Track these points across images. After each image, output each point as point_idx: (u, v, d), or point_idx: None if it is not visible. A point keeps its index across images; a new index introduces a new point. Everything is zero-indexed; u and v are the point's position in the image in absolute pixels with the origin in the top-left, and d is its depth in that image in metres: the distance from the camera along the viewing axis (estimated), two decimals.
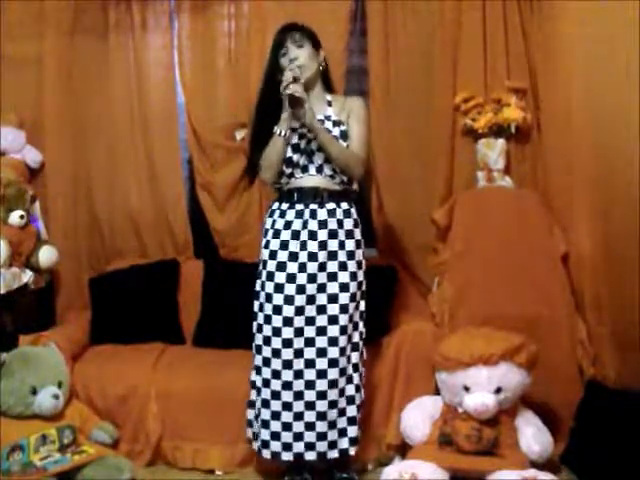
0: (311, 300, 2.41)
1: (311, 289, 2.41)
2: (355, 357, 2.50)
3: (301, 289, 2.40)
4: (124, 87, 3.53)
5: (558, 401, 2.72)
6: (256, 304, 2.50)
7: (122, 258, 3.52)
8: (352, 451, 2.49)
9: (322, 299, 2.42)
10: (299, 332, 2.40)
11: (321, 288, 2.42)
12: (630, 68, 2.40)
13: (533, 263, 2.86)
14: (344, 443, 2.47)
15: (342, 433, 2.46)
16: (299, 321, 2.40)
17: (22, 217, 3.12)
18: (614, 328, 2.67)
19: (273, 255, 2.46)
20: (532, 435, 2.44)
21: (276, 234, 2.47)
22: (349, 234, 2.50)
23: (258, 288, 2.50)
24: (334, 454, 2.46)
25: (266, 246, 2.49)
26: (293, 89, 2.34)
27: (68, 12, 3.45)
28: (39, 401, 2.55)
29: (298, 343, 2.39)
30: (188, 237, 3.57)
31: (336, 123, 2.50)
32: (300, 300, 2.40)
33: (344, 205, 2.51)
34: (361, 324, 2.54)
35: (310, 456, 2.41)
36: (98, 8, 3.48)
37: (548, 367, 2.59)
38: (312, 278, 2.41)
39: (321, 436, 2.41)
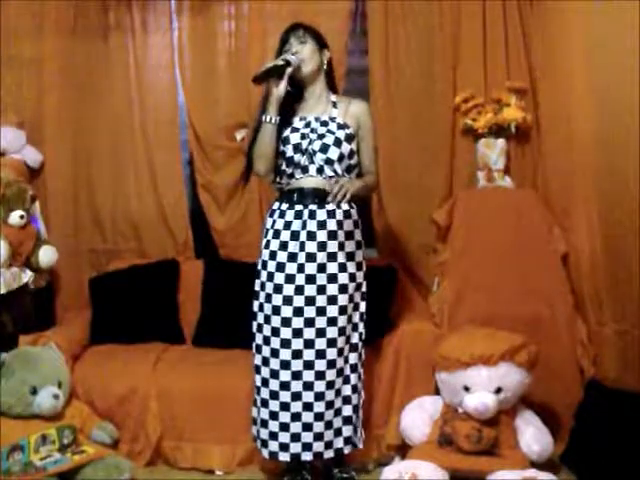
0: (311, 301, 2.40)
1: (310, 290, 2.40)
2: (353, 358, 2.50)
3: (300, 290, 2.39)
4: (124, 87, 3.53)
5: (558, 401, 2.72)
6: (256, 304, 2.50)
7: (122, 258, 3.52)
8: (346, 450, 2.50)
9: (322, 301, 2.40)
10: (298, 333, 2.38)
11: (321, 290, 2.41)
12: (630, 68, 2.40)
13: (533, 263, 2.87)
14: (339, 442, 2.47)
15: (337, 433, 2.46)
16: (298, 322, 2.38)
17: (22, 217, 3.12)
18: (614, 328, 2.67)
19: (273, 255, 2.45)
20: (532, 435, 2.44)
21: (276, 234, 2.46)
22: (349, 235, 2.49)
23: (258, 288, 2.50)
24: (329, 454, 2.46)
25: (266, 246, 2.48)
26: (272, 63, 2.36)
27: (68, 12, 3.46)
28: (39, 401, 2.55)
29: (297, 344, 2.38)
30: (188, 237, 3.57)
31: (341, 126, 2.49)
32: (299, 301, 2.39)
33: (344, 206, 2.48)
34: (361, 325, 2.53)
35: (306, 456, 2.41)
36: (98, 8, 3.48)
37: (548, 367, 2.60)
38: (311, 279, 2.40)
39: (318, 436, 2.41)
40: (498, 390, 2.40)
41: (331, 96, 2.58)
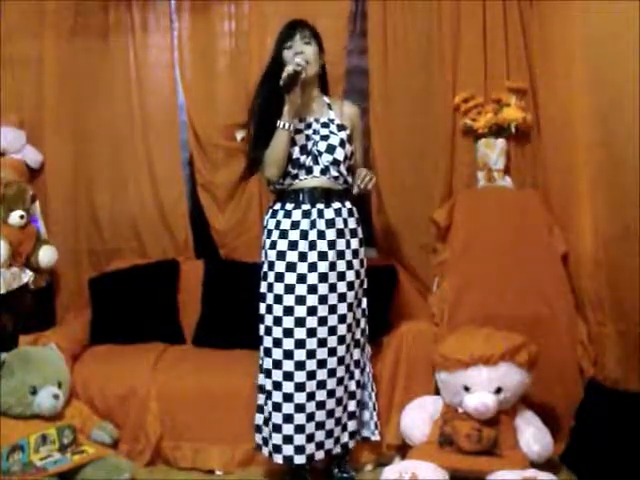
0: (323, 300, 2.40)
1: (323, 289, 2.40)
2: (357, 353, 2.54)
3: (313, 289, 2.39)
4: (124, 87, 3.53)
5: (558, 401, 2.71)
6: (263, 306, 2.46)
7: (122, 258, 3.52)
8: (351, 444, 2.53)
9: (333, 299, 2.42)
10: (312, 332, 2.38)
11: (332, 288, 2.42)
12: (630, 68, 2.40)
13: (533, 263, 2.86)
14: (345, 437, 2.50)
15: (344, 428, 2.50)
16: (311, 321, 2.38)
17: (22, 217, 3.13)
18: (614, 328, 2.67)
19: (281, 256, 2.43)
20: (532, 435, 2.44)
21: (283, 234, 2.44)
22: (353, 233, 2.52)
23: (264, 290, 2.47)
24: (337, 449, 2.48)
25: (272, 247, 2.46)
26: (292, 68, 2.31)
27: (68, 12, 3.46)
28: (39, 401, 2.55)
29: (311, 344, 2.37)
30: (188, 237, 3.57)
31: (340, 127, 2.52)
32: (312, 300, 2.38)
33: (348, 204, 2.53)
34: (363, 321, 2.57)
35: (319, 455, 2.41)
36: (98, 8, 3.48)
37: (548, 367, 2.60)
38: (323, 278, 2.40)
39: (329, 434, 2.42)
40: (498, 390, 2.40)
41: (324, 98, 2.59)
